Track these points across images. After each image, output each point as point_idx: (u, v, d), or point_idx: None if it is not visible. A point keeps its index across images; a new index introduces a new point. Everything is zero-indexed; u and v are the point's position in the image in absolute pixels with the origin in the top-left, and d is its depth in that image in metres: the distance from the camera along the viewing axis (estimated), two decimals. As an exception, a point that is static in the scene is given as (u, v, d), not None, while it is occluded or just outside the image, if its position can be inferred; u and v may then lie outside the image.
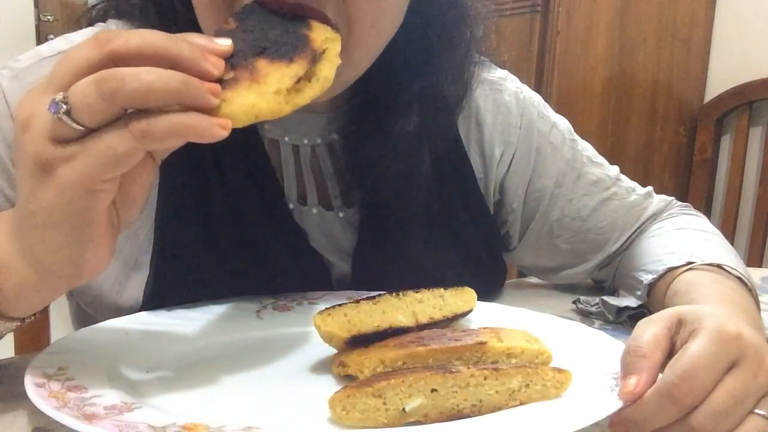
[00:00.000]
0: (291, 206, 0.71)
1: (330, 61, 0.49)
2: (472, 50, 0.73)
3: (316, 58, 0.48)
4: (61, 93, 0.41)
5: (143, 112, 0.42)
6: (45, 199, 0.43)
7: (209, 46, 0.45)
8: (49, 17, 3.70)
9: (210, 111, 0.43)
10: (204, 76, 0.43)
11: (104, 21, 0.71)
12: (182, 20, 0.62)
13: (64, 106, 0.41)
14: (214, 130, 0.42)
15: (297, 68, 0.46)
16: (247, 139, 0.68)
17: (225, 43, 0.45)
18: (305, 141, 0.71)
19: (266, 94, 0.44)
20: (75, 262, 0.46)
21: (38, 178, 0.43)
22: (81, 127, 0.42)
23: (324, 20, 0.54)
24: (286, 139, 0.71)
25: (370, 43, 0.61)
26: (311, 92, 0.47)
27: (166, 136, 0.42)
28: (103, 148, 0.42)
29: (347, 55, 0.59)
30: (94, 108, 0.41)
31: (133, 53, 0.42)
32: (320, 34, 0.49)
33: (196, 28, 0.61)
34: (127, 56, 0.42)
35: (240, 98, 0.43)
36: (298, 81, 0.46)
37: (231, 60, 0.45)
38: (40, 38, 3.61)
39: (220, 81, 0.44)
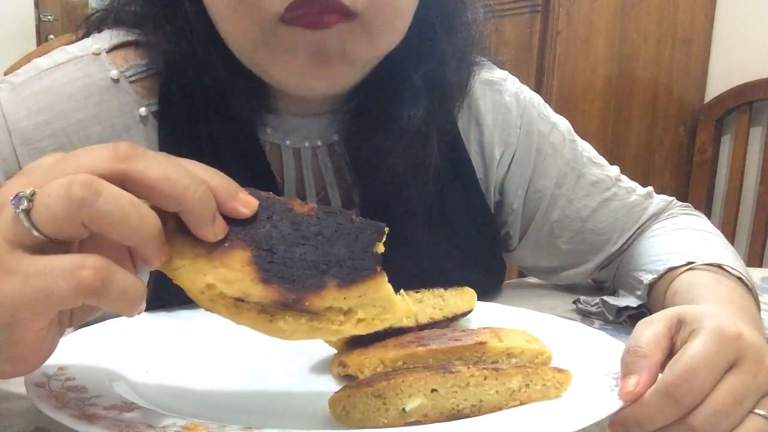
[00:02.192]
0: None
1: (311, 329, 0.39)
2: (473, 34, 0.73)
3: (298, 309, 0.38)
4: (32, 187, 0.36)
5: (103, 257, 0.36)
6: None
7: (227, 205, 0.40)
8: (49, 17, 3.71)
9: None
10: (200, 236, 0.39)
11: (100, 30, 0.71)
12: (196, 30, 0.62)
13: (26, 203, 0.35)
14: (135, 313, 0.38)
15: (265, 294, 0.38)
16: (248, 143, 0.68)
17: (243, 212, 0.40)
18: (306, 144, 0.71)
19: (213, 283, 0.38)
20: (3, 365, 0.40)
21: None
22: (38, 234, 0.36)
23: (345, 11, 0.55)
24: (288, 142, 0.71)
25: (396, 23, 0.61)
26: (249, 318, 0.39)
27: (113, 302, 0.36)
28: (40, 284, 0.35)
29: (373, 34, 0.59)
30: (53, 211, 0.35)
31: (147, 185, 0.37)
32: (339, 300, 0.39)
33: (211, 37, 0.62)
34: (140, 185, 0.37)
35: (188, 273, 0.38)
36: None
37: (243, 224, 0.39)
38: (40, 38, 3.62)
39: None
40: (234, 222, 0.40)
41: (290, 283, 0.38)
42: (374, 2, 0.57)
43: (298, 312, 0.38)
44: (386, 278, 0.41)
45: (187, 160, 0.40)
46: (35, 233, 0.36)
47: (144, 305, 0.39)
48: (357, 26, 0.58)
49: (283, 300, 0.38)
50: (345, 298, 0.39)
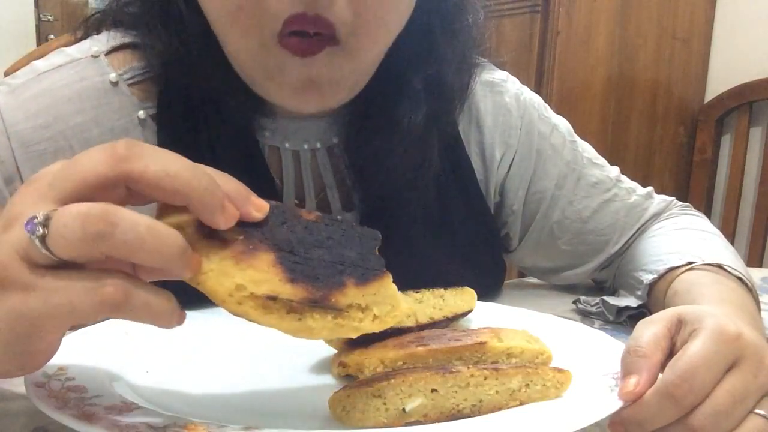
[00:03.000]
0: None
1: (336, 326, 0.40)
2: (473, 37, 0.73)
3: (325, 306, 0.40)
4: (43, 212, 0.36)
5: (122, 273, 0.37)
6: None
7: (240, 209, 0.40)
8: (49, 17, 3.71)
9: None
10: (212, 225, 0.39)
11: (98, 32, 0.70)
12: (191, 32, 0.62)
13: (41, 230, 0.35)
14: (174, 322, 0.39)
15: (294, 292, 0.39)
16: (247, 146, 0.68)
17: (255, 215, 0.40)
18: (305, 146, 0.71)
19: (242, 285, 0.38)
20: (6, 370, 0.41)
21: None
22: (53, 257, 0.36)
23: (330, 33, 0.56)
24: (287, 145, 0.71)
25: (379, 43, 0.61)
26: (278, 320, 0.39)
27: (137, 315, 0.37)
28: (63, 301, 0.36)
29: (357, 57, 0.60)
30: (70, 241, 0.35)
31: (150, 183, 0.37)
32: (358, 297, 0.41)
33: (206, 40, 0.61)
34: (142, 184, 0.37)
35: (216, 276, 0.38)
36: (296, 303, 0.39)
37: (261, 229, 0.40)
38: (40, 38, 3.63)
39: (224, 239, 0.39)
40: (253, 226, 0.40)
41: (315, 281, 0.39)
42: (360, 26, 0.57)
43: (324, 310, 0.40)
44: (391, 278, 0.42)
45: (199, 164, 0.40)
46: (50, 256, 0.36)
47: (182, 315, 0.39)
48: (342, 51, 0.58)
49: (312, 297, 0.39)
50: (363, 296, 0.41)
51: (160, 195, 0.38)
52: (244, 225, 0.40)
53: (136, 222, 0.36)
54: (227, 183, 0.40)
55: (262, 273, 0.38)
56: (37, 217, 0.36)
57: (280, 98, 0.62)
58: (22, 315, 0.37)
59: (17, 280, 0.36)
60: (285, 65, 0.58)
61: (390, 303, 0.42)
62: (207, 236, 0.39)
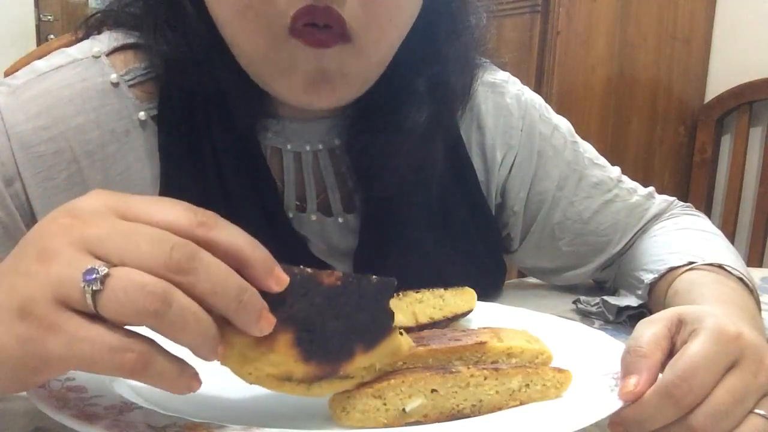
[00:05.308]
0: (290, 214, 0.71)
1: (341, 386, 0.43)
2: (475, 38, 0.73)
3: (333, 377, 0.42)
4: (106, 267, 0.36)
5: (145, 339, 0.37)
6: (1, 338, 0.37)
7: (262, 282, 0.40)
8: (49, 17, 3.71)
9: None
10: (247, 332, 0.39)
11: (99, 32, 0.70)
12: (197, 33, 0.62)
13: (99, 285, 0.35)
14: (185, 389, 0.39)
15: (307, 371, 0.41)
16: (248, 148, 0.68)
17: (275, 289, 0.40)
18: (307, 147, 0.71)
19: (260, 367, 0.41)
20: (10, 389, 0.41)
21: (8, 318, 0.37)
22: (92, 310, 0.36)
23: (343, 31, 0.57)
24: (289, 146, 0.71)
25: (389, 39, 0.62)
26: (290, 389, 0.42)
27: (151, 382, 0.38)
28: (85, 352, 0.36)
29: (368, 54, 0.60)
30: (124, 311, 0.36)
31: (219, 249, 0.38)
32: (365, 361, 0.43)
33: (213, 41, 0.61)
34: (213, 248, 0.38)
35: (236, 360, 0.41)
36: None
37: (284, 304, 0.41)
38: (40, 38, 3.62)
39: None
40: (276, 302, 0.40)
41: (327, 356, 0.42)
42: (370, 21, 0.58)
43: (332, 378, 0.43)
44: (398, 331, 0.44)
45: (232, 225, 0.40)
46: (91, 308, 0.36)
47: (197, 383, 0.39)
48: (353, 48, 0.59)
49: (321, 374, 0.42)
50: (369, 358, 0.43)
51: (204, 306, 0.38)
52: (267, 301, 0.40)
53: (186, 306, 0.37)
54: (256, 251, 0.40)
55: (279, 356, 0.40)
56: (97, 272, 0.36)
57: (291, 94, 0.62)
58: (37, 352, 0.37)
59: (43, 317, 0.36)
60: (296, 58, 0.58)
61: (392, 352, 0.44)
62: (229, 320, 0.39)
